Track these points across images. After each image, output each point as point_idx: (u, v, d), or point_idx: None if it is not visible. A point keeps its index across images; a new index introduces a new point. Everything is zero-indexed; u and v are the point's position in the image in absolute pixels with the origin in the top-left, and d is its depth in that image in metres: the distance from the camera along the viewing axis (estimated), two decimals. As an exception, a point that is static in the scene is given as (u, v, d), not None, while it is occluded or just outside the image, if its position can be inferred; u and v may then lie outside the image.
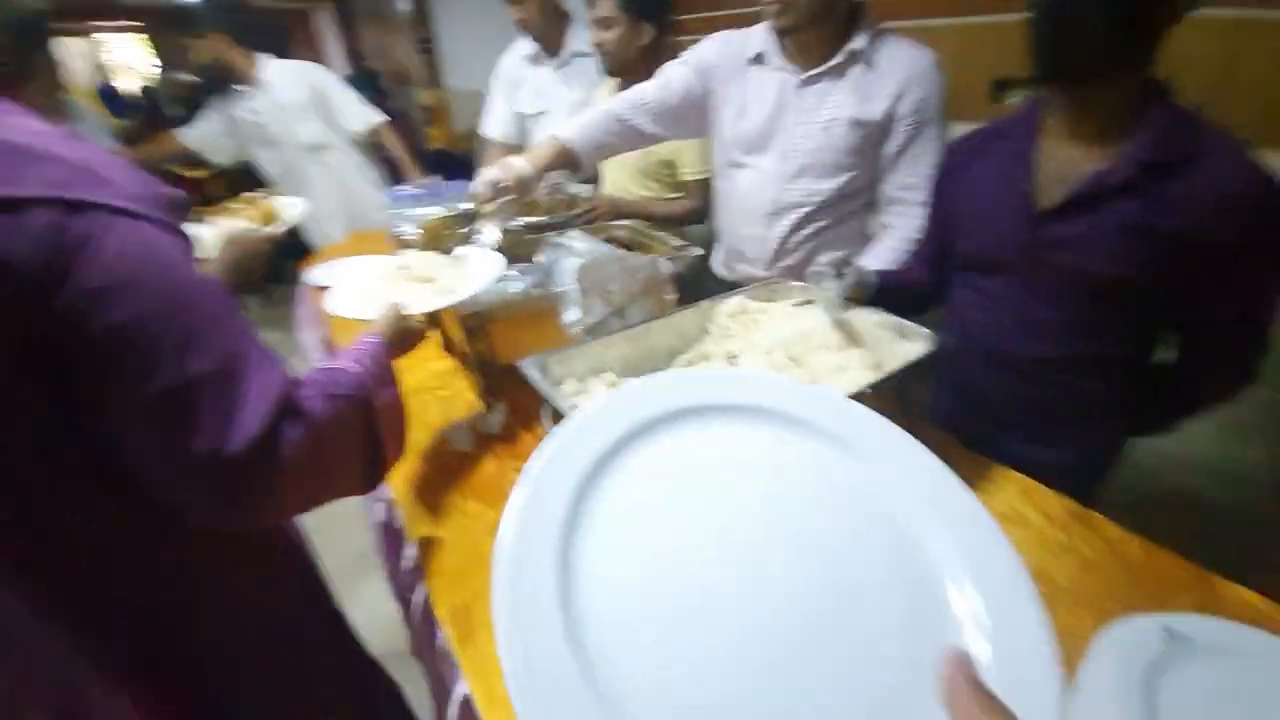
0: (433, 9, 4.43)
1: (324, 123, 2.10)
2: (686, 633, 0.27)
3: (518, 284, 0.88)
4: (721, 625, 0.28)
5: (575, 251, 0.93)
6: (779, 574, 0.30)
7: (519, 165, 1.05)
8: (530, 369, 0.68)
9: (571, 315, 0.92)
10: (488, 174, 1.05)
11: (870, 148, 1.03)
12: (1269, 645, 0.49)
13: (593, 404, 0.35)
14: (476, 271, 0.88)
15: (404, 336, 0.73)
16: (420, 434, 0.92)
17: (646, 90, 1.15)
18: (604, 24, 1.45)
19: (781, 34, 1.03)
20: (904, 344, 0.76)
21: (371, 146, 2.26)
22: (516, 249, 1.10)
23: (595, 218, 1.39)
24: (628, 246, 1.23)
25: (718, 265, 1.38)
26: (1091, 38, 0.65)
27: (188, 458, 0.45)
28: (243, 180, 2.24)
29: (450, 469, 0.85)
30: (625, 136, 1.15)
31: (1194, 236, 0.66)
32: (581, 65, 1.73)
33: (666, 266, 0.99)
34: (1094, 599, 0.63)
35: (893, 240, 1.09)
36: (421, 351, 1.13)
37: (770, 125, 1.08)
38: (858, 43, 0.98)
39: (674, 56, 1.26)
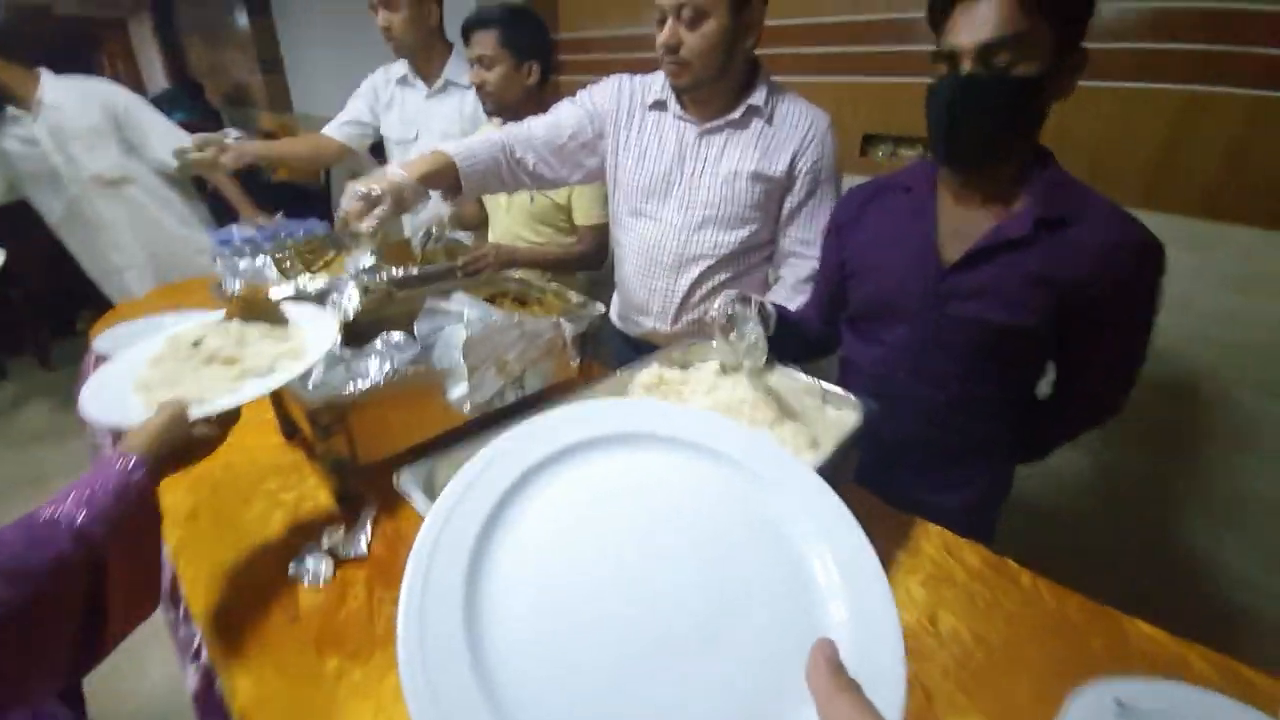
0: (279, 28, 4.00)
1: (123, 152, 1.72)
2: (587, 648, 0.29)
3: (384, 362, 0.72)
4: (619, 633, 0.30)
5: (458, 318, 0.79)
6: (669, 580, 0.33)
7: (394, 173, 0.89)
8: (410, 486, 0.52)
9: (458, 392, 0.78)
10: (356, 185, 0.85)
11: (772, 202, 1.03)
12: (1199, 700, 0.54)
13: (492, 445, 0.36)
14: (303, 346, 0.66)
15: (182, 450, 0.55)
16: (250, 557, 0.70)
17: (535, 125, 1.05)
18: (484, 63, 1.34)
19: (678, 92, 1.01)
20: (831, 411, 0.73)
21: (195, 179, 1.90)
22: (384, 312, 0.93)
23: (481, 268, 1.25)
24: (520, 300, 1.11)
25: (614, 317, 1.31)
26: (985, 129, 0.69)
27: None
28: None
29: (298, 609, 0.64)
30: (510, 170, 1.04)
31: (1082, 284, 0.72)
32: (457, 96, 1.60)
33: (570, 329, 0.88)
34: (1026, 658, 0.63)
35: (784, 290, 1.10)
36: (254, 437, 0.90)
37: (670, 174, 1.04)
38: (756, 98, 0.98)
39: (560, 98, 1.19)
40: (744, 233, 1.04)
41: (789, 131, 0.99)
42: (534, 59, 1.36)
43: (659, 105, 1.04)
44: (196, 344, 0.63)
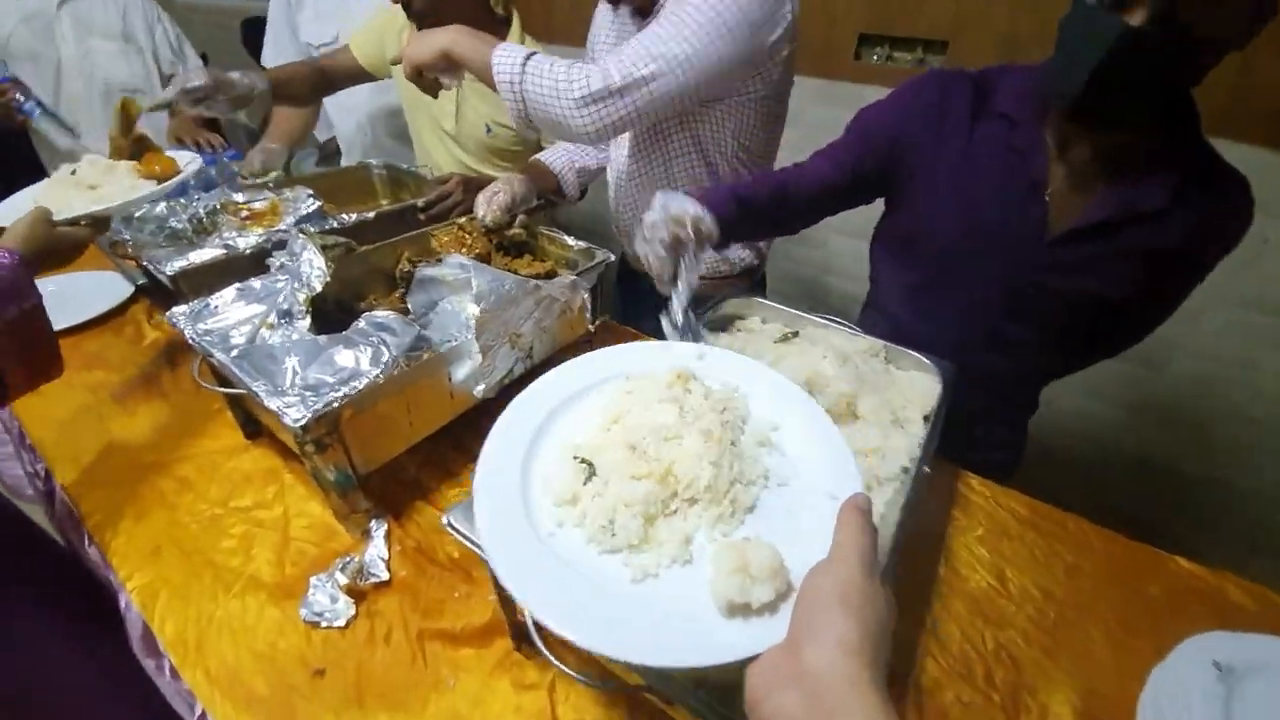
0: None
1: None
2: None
3: (376, 352, 0.57)
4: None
5: (458, 286, 0.64)
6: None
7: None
8: (464, 524, 0.42)
9: (464, 371, 0.64)
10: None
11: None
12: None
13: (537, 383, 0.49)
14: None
15: (48, 245, 0.65)
16: (241, 600, 0.57)
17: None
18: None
19: None
20: (898, 373, 0.66)
21: None
22: (347, 273, 0.74)
23: (450, 207, 1.05)
24: (514, 248, 0.94)
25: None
26: (1141, 100, 0.54)
27: None
28: None
29: (322, 659, 0.53)
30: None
31: (1183, 254, 0.64)
32: None
33: (583, 288, 0.75)
34: (1094, 610, 0.63)
35: None
36: (208, 440, 0.75)
37: None
38: None
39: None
40: None
41: None
42: None
43: None
44: (74, 172, 0.83)
